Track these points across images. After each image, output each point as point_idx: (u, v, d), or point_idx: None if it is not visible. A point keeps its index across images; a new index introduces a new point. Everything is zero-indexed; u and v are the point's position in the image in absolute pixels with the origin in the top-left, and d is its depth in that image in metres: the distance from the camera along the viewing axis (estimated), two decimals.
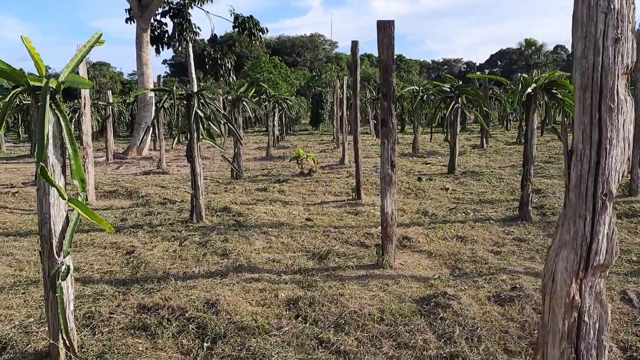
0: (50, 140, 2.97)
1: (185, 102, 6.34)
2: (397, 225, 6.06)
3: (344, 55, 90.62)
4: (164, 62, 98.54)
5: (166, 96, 6.30)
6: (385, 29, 4.67)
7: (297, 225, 6.39)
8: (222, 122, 6.32)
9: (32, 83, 2.82)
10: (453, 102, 9.74)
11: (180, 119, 9.19)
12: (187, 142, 6.29)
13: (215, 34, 17.28)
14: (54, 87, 2.85)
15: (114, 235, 6.14)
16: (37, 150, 2.65)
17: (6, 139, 23.37)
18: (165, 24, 17.62)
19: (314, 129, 28.32)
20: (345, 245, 5.50)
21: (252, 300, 4.01)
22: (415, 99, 13.34)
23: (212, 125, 6.25)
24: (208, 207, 7.28)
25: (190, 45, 19.06)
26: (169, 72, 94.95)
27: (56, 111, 2.92)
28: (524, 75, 6.71)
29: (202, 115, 6.14)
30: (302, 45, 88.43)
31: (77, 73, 4.16)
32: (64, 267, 3.03)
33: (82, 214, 2.81)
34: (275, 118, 16.37)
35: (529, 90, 6.12)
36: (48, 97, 2.73)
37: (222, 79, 18.18)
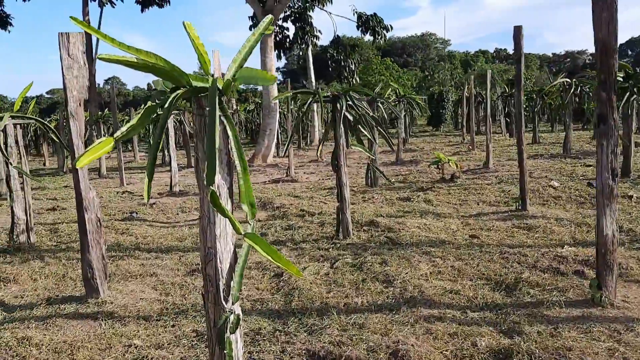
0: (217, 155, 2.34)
1: (330, 105, 5.67)
2: (587, 245, 4.92)
3: (457, 53, 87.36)
4: (277, 69, 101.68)
5: (311, 99, 5.66)
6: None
7: (461, 244, 5.45)
8: (373, 126, 5.57)
9: (195, 83, 2.20)
10: (627, 94, 8.23)
11: (306, 122, 8.61)
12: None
13: (337, 35, 16.79)
14: (221, 88, 2.21)
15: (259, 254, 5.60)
16: (207, 170, 2.01)
17: (138, 148, 24.80)
18: (287, 29, 17.45)
19: (434, 129, 26.96)
20: (534, 272, 4.47)
21: (446, 351, 3.16)
22: (567, 92, 11.74)
23: (362, 129, 5.52)
24: (351, 220, 6.55)
25: (310, 49, 18.76)
26: (281, 79, 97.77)
27: (222, 118, 2.28)
28: None
29: (350, 118, 5.42)
30: (413, 45, 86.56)
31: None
32: (233, 316, 2.38)
33: (262, 253, 2.13)
34: (405, 119, 15.48)
35: None
36: (217, 100, 2.09)
37: (345, 80, 17.62)
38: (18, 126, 6.37)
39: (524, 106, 20.70)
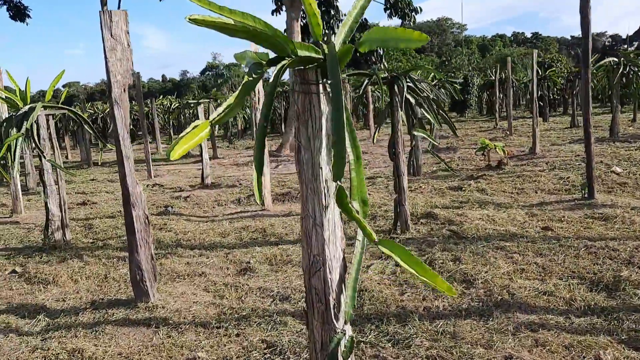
0: (324, 143, 1.91)
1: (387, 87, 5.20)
2: None
3: (474, 37, 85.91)
4: None
5: (366, 80, 5.20)
6: None
7: (534, 237, 4.98)
8: (434, 109, 5.09)
9: (301, 52, 1.76)
10: None
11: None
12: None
13: (365, 19, 16.19)
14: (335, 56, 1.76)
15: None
16: (335, 161, 1.59)
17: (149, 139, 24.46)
18: None
19: (459, 115, 26.29)
20: (633, 269, 3.98)
21: None
22: (614, 73, 11.10)
23: (425, 113, 5.05)
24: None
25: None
26: None
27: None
28: None
29: (413, 101, 4.96)
30: (429, 30, 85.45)
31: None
32: (346, 338, 1.96)
33: (403, 265, 1.70)
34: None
35: None
36: (339, 72, 1.65)
37: (373, 66, 17.08)
38: (50, 117, 6.01)
39: (557, 89, 19.96)
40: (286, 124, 15.41)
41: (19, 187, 8.22)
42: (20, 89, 5.85)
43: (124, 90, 4.02)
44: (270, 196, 7.51)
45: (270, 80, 1.78)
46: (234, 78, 76.25)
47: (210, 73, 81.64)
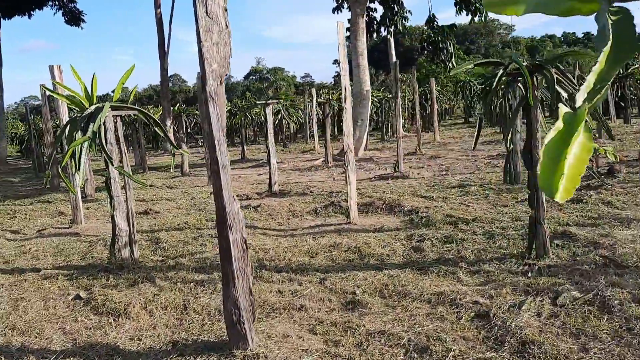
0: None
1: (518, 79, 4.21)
2: None
3: (522, 38, 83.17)
4: (335, 61, 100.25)
5: (501, 71, 4.24)
6: None
7: None
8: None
9: None
10: None
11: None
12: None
13: (433, 14, 15.19)
14: None
15: (433, 281, 4.26)
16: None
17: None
18: (375, 10, 16.00)
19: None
20: None
21: None
22: None
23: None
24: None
25: (392, 33, 17.26)
26: (339, 71, 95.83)
27: None
28: None
29: (565, 96, 3.96)
30: (475, 32, 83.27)
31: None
32: None
33: None
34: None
35: None
36: None
37: (442, 65, 16.00)
38: (118, 119, 5.29)
39: (630, 90, 18.32)
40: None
41: (79, 194, 7.61)
42: (85, 87, 5.15)
43: (221, 82, 3.19)
44: (357, 207, 6.60)
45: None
46: (278, 82, 76.11)
47: (253, 77, 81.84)
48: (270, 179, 8.99)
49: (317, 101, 17.37)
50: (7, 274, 5.42)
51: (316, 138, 17.42)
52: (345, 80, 6.37)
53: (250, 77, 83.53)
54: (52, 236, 7.06)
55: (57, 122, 11.54)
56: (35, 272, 5.37)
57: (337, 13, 15.61)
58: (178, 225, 7.12)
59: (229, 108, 24.71)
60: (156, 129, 5.53)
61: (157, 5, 21.90)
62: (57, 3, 25.46)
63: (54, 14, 25.96)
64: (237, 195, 9.03)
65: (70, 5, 25.56)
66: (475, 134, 5.40)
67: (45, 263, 5.73)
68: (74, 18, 25.92)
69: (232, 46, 3.24)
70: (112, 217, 5.25)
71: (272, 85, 76.44)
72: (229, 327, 3.35)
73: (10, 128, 31.19)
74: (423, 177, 9.58)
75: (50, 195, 10.78)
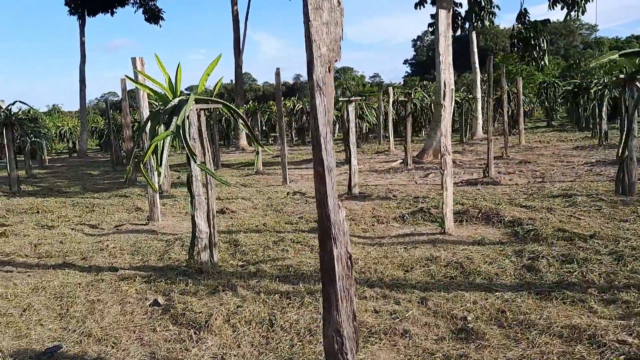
0: None
1: None
2: None
3: (605, 39, 78.30)
4: (405, 62, 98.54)
5: None
6: None
7: None
8: None
9: None
10: None
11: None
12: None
13: (524, 9, 14.14)
14: None
15: (560, 310, 3.60)
16: None
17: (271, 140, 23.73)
18: (460, 4, 15.17)
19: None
20: None
21: None
22: None
23: None
24: None
25: (478, 28, 16.32)
26: (409, 71, 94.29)
27: None
28: None
29: None
30: (554, 32, 79.44)
31: None
32: None
33: None
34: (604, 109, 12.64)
35: None
36: None
37: (534, 62, 14.91)
38: (202, 113, 4.95)
39: None
40: (430, 127, 13.81)
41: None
42: (169, 78, 4.84)
43: (329, 69, 2.70)
44: (452, 216, 5.97)
45: None
46: (349, 81, 75.70)
47: None
48: (350, 180, 8.50)
49: (393, 100, 16.70)
50: (84, 271, 5.22)
51: (391, 138, 16.79)
52: (446, 75, 5.78)
53: None
54: (129, 232, 6.89)
55: (136, 117, 11.54)
56: (112, 271, 5.14)
57: (420, 9, 14.90)
58: (256, 226, 6.75)
59: (300, 107, 24.48)
60: (241, 125, 5.15)
61: (233, 3, 21.98)
62: (137, 1, 26.17)
63: (135, 11, 26.72)
64: (310, 196, 8.61)
65: (150, 3, 26.20)
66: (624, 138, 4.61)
67: (123, 262, 5.50)
68: (153, 16, 26.56)
69: (344, 27, 2.76)
70: (192, 217, 4.92)
71: (342, 85, 76.20)
72: (328, 356, 2.87)
73: (90, 122, 32.50)
74: (517, 184, 8.76)
75: (128, 189, 10.80)
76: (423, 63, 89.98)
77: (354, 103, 8.48)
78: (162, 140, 4.47)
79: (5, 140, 11.68)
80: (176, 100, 4.69)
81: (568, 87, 23.35)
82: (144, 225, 7.27)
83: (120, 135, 19.56)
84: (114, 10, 25.58)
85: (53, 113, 53.05)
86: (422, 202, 7.48)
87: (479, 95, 18.00)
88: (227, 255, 5.51)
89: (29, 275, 5.17)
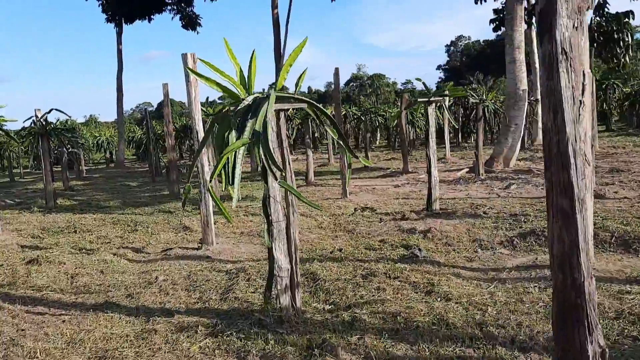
0: None
1: None
2: None
3: None
4: (438, 67, 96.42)
5: None
6: None
7: None
8: None
9: None
10: None
11: None
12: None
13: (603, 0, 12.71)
14: None
15: None
16: None
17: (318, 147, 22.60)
18: None
19: None
20: None
21: None
22: None
23: None
24: None
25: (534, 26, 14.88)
26: (442, 77, 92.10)
27: None
28: None
29: None
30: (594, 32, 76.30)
31: None
32: None
33: None
34: None
35: None
36: None
37: (614, 59, 13.44)
38: (282, 114, 3.82)
39: None
40: (500, 131, 12.50)
41: (211, 209, 6.35)
42: (241, 70, 3.74)
43: (576, 26, 1.54)
44: (593, 244, 4.69)
45: None
46: (383, 87, 74.32)
47: (353, 84, 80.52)
48: (429, 194, 7.28)
49: (449, 104, 15.40)
50: (131, 315, 4.15)
51: (447, 145, 15.50)
52: (586, 66, 4.51)
53: (351, 84, 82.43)
54: (179, 259, 5.84)
55: (187, 123, 10.48)
56: (166, 316, 4.05)
57: (481, 3, 13.63)
58: (331, 253, 5.60)
59: (344, 112, 23.35)
60: (327, 128, 4.02)
61: (274, 6, 21.02)
62: (175, 8, 25.54)
63: (172, 18, 26.09)
64: (387, 214, 7.41)
65: (187, 9, 25.55)
66: None
67: (177, 301, 4.42)
68: (190, 22, 25.88)
69: None
70: (269, 249, 3.79)
71: (375, 92, 74.75)
72: None
73: (127, 132, 32.06)
74: (626, 197, 7.40)
75: (172, 204, 9.80)
76: (457, 68, 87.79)
77: (434, 104, 7.27)
78: (235, 152, 3.36)
79: (41, 151, 10.89)
80: (250, 98, 3.59)
81: (627, 90, 21.66)
82: (197, 249, 6.20)
83: (160, 144, 18.78)
84: (152, 17, 25.00)
85: (90, 123, 53.37)
86: (524, 221, 6.22)
87: (539, 96, 16.53)
88: (307, 294, 4.37)
89: (63, 321, 4.13)
